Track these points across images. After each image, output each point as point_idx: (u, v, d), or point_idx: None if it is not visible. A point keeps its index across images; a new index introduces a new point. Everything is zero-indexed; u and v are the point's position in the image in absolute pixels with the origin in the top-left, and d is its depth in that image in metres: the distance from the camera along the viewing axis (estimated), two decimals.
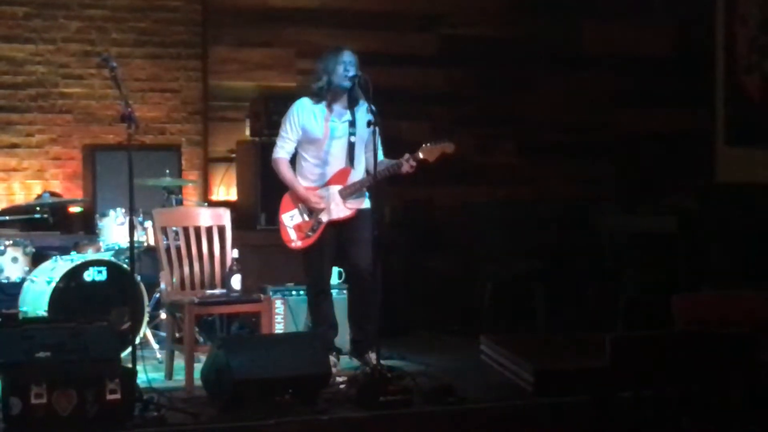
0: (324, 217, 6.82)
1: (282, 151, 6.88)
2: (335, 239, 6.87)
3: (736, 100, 9.42)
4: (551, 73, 9.46)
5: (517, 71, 9.40)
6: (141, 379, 6.06)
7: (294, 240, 6.86)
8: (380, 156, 6.70)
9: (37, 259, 7.49)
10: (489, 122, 9.36)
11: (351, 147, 6.81)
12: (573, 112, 9.49)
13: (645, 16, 9.66)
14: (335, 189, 6.83)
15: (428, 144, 6.77)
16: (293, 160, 6.93)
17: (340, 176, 6.84)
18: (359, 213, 6.86)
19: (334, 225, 6.85)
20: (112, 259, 7.31)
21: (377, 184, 6.67)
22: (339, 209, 6.84)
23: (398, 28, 9.19)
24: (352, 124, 6.80)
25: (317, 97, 6.82)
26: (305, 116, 6.82)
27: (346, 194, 6.83)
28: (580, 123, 9.51)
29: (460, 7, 9.35)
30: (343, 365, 6.91)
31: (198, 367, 6.37)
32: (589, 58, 9.55)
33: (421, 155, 6.74)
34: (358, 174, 6.87)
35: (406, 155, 6.74)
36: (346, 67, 6.72)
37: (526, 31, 9.43)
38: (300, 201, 6.84)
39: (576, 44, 9.57)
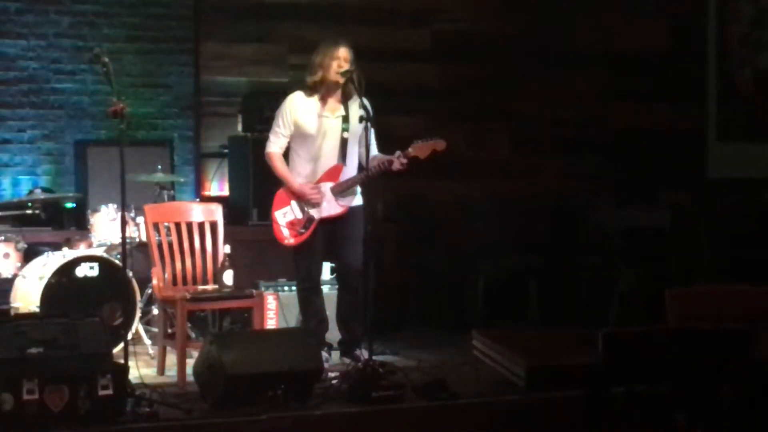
0: (316, 215, 6.80)
1: (275, 145, 6.85)
2: (326, 236, 6.86)
3: (728, 96, 9.43)
4: (544, 69, 9.44)
5: (510, 66, 9.39)
6: (133, 374, 6.04)
7: (287, 237, 6.84)
8: (374, 151, 6.68)
9: (28, 254, 7.48)
10: (482, 117, 9.35)
11: (344, 143, 6.79)
12: (566, 108, 9.48)
13: (638, 12, 9.65)
14: (327, 186, 6.81)
15: (419, 141, 6.76)
16: (285, 156, 6.91)
17: (332, 173, 6.81)
18: (351, 210, 6.84)
19: (326, 222, 6.83)
20: (104, 254, 7.29)
21: (369, 181, 6.65)
22: (331, 206, 6.82)
23: (391, 23, 9.18)
24: (346, 119, 6.78)
25: (311, 90, 6.80)
26: (299, 111, 6.79)
27: (338, 192, 6.81)
28: (573, 118, 9.51)
29: (453, 2, 9.34)
30: (335, 360, 6.91)
31: (190, 362, 6.36)
32: (582, 54, 9.54)
33: (412, 152, 6.73)
34: (350, 171, 6.85)
35: (398, 152, 6.72)
36: (340, 63, 6.69)
37: (519, 26, 9.42)
38: (294, 196, 6.82)
39: (569, 40, 9.56)
